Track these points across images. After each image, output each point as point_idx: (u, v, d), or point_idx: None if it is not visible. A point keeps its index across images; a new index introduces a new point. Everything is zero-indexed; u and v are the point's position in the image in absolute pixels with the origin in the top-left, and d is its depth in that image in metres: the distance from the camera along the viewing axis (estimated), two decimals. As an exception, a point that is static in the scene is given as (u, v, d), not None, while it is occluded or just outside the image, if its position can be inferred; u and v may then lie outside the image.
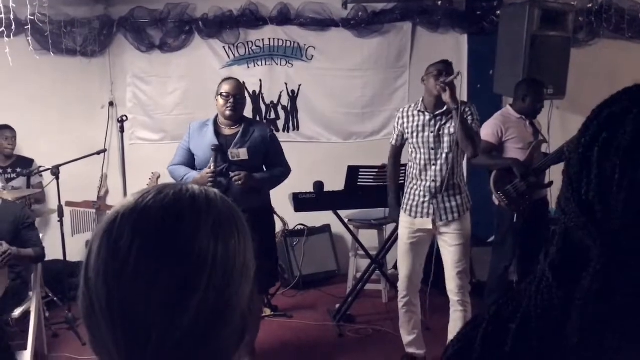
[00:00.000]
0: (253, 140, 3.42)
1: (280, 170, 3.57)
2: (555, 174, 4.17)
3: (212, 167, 3.26)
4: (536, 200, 4.05)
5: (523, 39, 4.55)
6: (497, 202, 4.08)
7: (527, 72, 4.51)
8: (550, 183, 4.12)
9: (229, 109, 3.36)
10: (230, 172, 3.32)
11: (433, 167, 3.34)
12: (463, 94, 5.37)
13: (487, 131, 4.06)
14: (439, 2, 5.32)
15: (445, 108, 3.28)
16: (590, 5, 5.24)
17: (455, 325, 3.40)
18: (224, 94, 3.37)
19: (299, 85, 5.45)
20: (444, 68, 3.28)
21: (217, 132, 3.42)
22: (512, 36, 4.67)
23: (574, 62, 4.72)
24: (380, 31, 5.35)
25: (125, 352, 0.65)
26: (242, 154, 3.36)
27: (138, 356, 0.64)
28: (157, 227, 0.66)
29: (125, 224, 0.66)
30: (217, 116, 3.48)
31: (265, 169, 3.53)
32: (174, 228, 0.66)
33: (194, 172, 3.39)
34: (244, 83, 5.34)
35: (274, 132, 3.69)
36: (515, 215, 4.04)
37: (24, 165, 4.81)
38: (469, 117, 3.30)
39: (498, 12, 5.10)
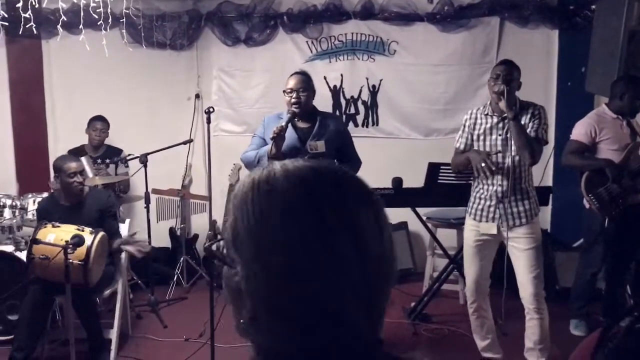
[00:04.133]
0: (329, 133, 3.45)
1: (354, 163, 3.60)
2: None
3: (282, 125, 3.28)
4: (631, 205, 3.83)
5: (620, 35, 4.29)
6: (587, 205, 3.90)
7: (624, 69, 4.26)
8: (647, 187, 3.88)
9: (294, 104, 3.37)
10: None
11: (500, 171, 3.22)
12: (552, 92, 5.21)
13: (580, 130, 3.89)
14: (530, -4, 5.13)
15: (514, 108, 3.16)
16: (696, -2, 4.88)
17: (532, 332, 3.27)
18: (288, 90, 3.40)
19: (380, 80, 5.41)
20: (502, 71, 3.15)
21: (294, 125, 3.44)
22: (608, 32, 4.43)
23: (675, 59, 4.42)
24: (466, 26, 5.22)
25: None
26: (320, 146, 3.38)
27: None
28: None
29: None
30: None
31: (336, 162, 3.53)
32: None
33: (264, 147, 3.40)
34: (325, 78, 5.43)
35: (346, 125, 3.67)
36: (607, 220, 3.84)
37: (113, 154, 5.03)
38: (536, 121, 3.17)
39: (592, 6, 4.85)
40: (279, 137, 3.26)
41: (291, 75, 3.49)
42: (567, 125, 4.11)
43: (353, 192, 0.70)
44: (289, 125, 3.38)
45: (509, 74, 3.15)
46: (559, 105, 5.21)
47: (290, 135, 3.38)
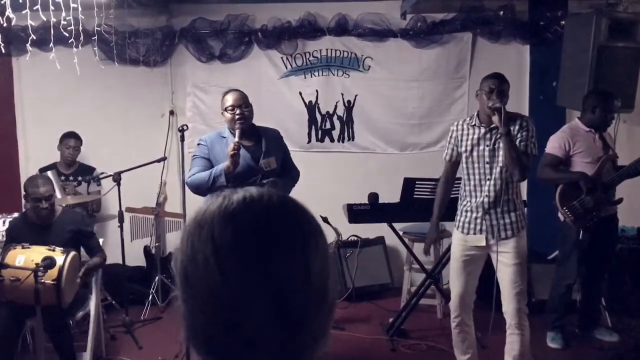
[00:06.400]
0: (274, 148, 3.43)
1: (295, 172, 3.59)
2: (624, 190, 3.99)
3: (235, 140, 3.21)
4: (604, 217, 3.89)
5: (589, 50, 4.38)
6: (562, 218, 3.94)
7: (593, 84, 4.35)
8: (620, 200, 3.94)
9: (239, 120, 3.30)
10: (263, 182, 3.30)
11: (488, 182, 3.22)
12: (524, 106, 5.28)
13: (554, 144, 3.94)
14: (501, 13, 5.21)
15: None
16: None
17: (511, 347, 3.26)
18: (229, 107, 3.32)
19: (355, 96, 5.43)
20: (496, 85, 3.16)
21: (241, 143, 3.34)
22: (578, 47, 4.52)
23: (643, 74, 4.51)
24: (439, 41, 5.28)
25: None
26: (272, 163, 3.35)
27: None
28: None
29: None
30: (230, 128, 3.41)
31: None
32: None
33: (217, 166, 3.28)
34: (300, 93, 5.43)
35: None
36: (581, 232, 3.88)
37: (86, 173, 4.95)
38: (524, 133, 3.18)
39: (562, 22, 4.95)
40: (237, 153, 3.19)
41: (227, 92, 3.40)
42: (540, 138, 4.13)
43: (283, 227, 0.71)
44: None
45: (502, 88, 3.16)
46: (531, 118, 5.27)
47: (242, 154, 3.28)
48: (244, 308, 0.67)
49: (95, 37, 4.03)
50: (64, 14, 3.32)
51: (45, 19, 3.06)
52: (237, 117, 3.29)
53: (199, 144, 3.45)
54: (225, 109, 3.34)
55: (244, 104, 3.34)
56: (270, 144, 3.42)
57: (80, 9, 3.48)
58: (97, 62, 4.47)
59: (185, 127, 3.70)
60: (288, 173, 3.54)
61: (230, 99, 3.34)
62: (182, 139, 3.63)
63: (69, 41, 3.46)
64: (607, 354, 3.98)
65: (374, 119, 5.46)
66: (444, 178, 3.49)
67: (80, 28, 3.65)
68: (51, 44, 3.29)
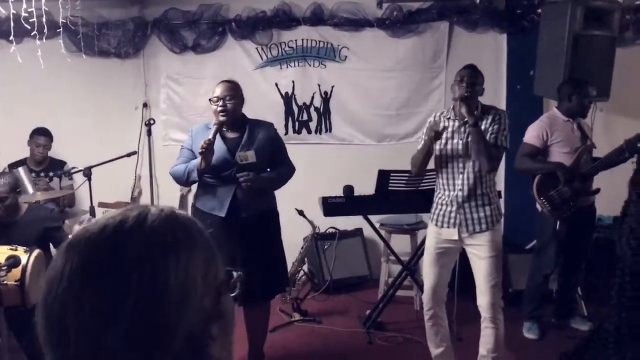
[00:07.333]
0: (259, 142, 3.37)
1: (285, 169, 3.53)
2: (602, 181, 3.97)
3: (209, 138, 3.18)
4: (582, 208, 3.87)
5: (565, 39, 4.35)
6: (540, 208, 3.92)
7: (569, 73, 4.32)
8: (597, 190, 3.93)
9: (221, 112, 3.28)
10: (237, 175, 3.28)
11: (461, 176, 3.19)
12: (502, 95, 5.25)
13: (532, 134, 3.92)
14: (478, 1, 5.15)
15: (475, 114, 3.14)
16: (638, 2, 4.99)
17: (486, 340, 3.24)
18: (214, 99, 3.31)
19: (332, 87, 5.37)
20: (466, 75, 3.14)
21: (222, 135, 3.36)
22: (554, 36, 4.48)
23: (619, 62, 4.49)
24: (415, 31, 5.22)
25: None
26: (250, 156, 3.30)
27: None
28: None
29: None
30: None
31: (269, 169, 3.48)
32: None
33: (193, 161, 3.31)
34: (276, 84, 5.35)
35: (277, 131, 3.61)
36: (558, 223, 3.87)
37: (56, 168, 4.85)
38: (495, 126, 3.15)
39: (539, 10, 4.91)
40: (207, 151, 3.16)
41: (218, 83, 3.39)
42: (517, 128, 4.12)
43: (130, 253, 0.68)
44: (218, 135, 3.27)
45: (472, 79, 3.13)
46: (509, 108, 5.21)
47: (219, 146, 3.27)
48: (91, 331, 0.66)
49: (61, 30, 3.91)
50: (24, 5, 3.23)
51: (3, 11, 2.96)
52: (220, 108, 3.28)
53: (189, 134, 3.47)
54: (211, 100, 3.34)
55: (228, 96, 3.31)
56: (253, 138, 3.37)
57: (44, 0, 3.39)
58: (63, 55, 4.35)
59: (152, 121, 3.64)
60: (276, 169, 3.48)
61: (217, 90, 3.34)
62: (149, 133, 3.56)
63: (32, 34, 3.36)
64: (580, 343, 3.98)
65: (351, 110, 5.40)
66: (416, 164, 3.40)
67: (44, 20, 3.55)
68: (11, 37, 3.19)
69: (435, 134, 3.14)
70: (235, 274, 0.79)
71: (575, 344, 3.61)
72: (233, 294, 0.78)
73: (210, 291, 0.72)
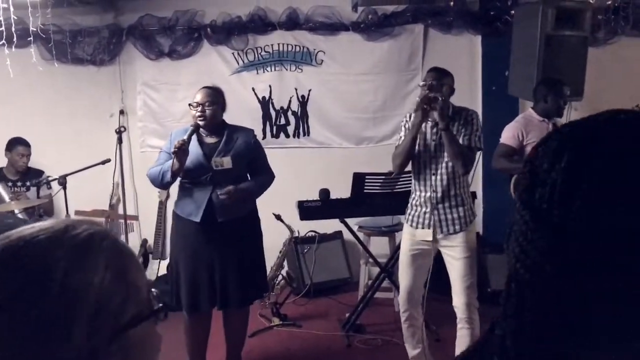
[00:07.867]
0: (237, 148, 3.37)
1: (265, 177, 3.53)
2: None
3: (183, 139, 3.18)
4: None
5: (537, 40, 4.39)
6: (518, 207, 3.95)
7: (542, 73, 4.36)
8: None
9: (199, 118, 3.31)
10: (214, 183, 3.29)
11: (434, 177, 3.21)
12: (477, 96, 5.29)
13: (508, 134, 3.97)
14: (452, 3, 5.19)
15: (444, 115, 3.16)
16: (609, 2, 5.06)
17: (462, 341, 3.26)
18: (194, 104, 3.33)
19: (309, 90, 5.37)
20: (430, 78, 3.16)
21: (200, 140, 3.38)
22: (526, 37, 4.53)
23: (592, 61, 4.55)
24: (391, 34, 5.25)
25: None
26: (226, 162, 3.30)
27: None
28: None
29: None
30: None
31: (249, 176, 3.49)
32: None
33: (168, 162, 3.31)
34: (253, 89, 5.35)
35: (257, 137, 3.62)
36: None
37: (34, 177, 4.82)
38: (468, 127, 3.17)
39: (512, 12, 4.96)
40: (180, 151, 3.16)
41: (200, 89, 3.42)
42: (493, 128, 4.16)
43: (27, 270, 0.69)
44: (195, 140, 3.29)
45: (437, 81, 3.14)
46: (484, 109, 5.27)
47: (195, 151, 3.29)
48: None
49: (31, 38, 3.89)
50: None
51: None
52: (198, 113, 3.30)
53: (169, 138, 3.48)
54: (190, 105, 3.36)
55: (207, 102, 3.32)
56: (231, 144, 3.37)
57: (12, 8, 3.37)
58: (35, 63, 4.32)
59: (122, 129, 3.63)
60: (256, 178, 3.49)
61: (197, 96, 3.36)
62: (120, 140, 3.55)
63: (0, 43, 3.34)
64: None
65: (328, 113, 5.41)
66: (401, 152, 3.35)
67: (14, 28, 3.53)
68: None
69: (427, 100, 3.03)
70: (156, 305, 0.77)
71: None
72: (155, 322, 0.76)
73: (105, 326, 0.69)
